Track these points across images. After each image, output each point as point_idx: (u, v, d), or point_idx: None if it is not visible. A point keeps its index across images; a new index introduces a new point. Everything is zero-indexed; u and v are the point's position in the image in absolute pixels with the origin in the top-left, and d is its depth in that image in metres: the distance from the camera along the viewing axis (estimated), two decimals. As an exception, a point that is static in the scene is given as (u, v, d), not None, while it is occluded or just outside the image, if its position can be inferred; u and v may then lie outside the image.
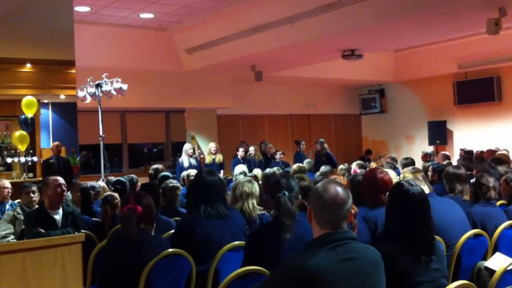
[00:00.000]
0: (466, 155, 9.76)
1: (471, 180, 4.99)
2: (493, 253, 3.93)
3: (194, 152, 11.07)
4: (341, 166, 8.55)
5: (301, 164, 8.19)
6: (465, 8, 7.94)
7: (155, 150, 14.60)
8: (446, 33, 11.24)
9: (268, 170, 7.56)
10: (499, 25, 7.77)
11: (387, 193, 3.24)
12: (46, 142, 6.79)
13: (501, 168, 5.83)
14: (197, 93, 12.78)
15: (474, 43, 12.40)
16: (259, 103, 14.85)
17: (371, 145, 16.74)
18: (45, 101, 6.72)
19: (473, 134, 14.05)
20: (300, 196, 3.50)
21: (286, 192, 3.36)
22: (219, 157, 11.27)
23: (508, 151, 9.41)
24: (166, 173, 7.44)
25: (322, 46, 10.31)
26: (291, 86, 15.34)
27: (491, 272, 3.31)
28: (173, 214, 5.11)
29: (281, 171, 8.27)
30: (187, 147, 10.76)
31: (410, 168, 5.52)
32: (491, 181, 4.52)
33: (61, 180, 4.61)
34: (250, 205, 4.56)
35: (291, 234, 3.24)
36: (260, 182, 6.98)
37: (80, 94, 9.11)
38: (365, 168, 8.35)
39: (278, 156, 12.12)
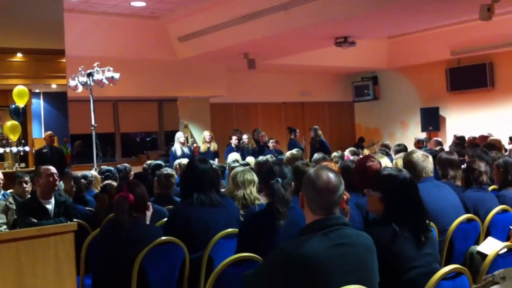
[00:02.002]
0: (458, 141, 9.79)
1: (463, 166, 5.01)
2: (485, 238, 3.95)
3: (187, 141, 11.04)
4: (334, 154, 8.56)
5: (294, 152, 8.17)
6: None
7: (148, 139, 14.57)
8: (439, 19, 11.23)
9: (260, 158, 7.57)
10: (492, 10, 7.76)
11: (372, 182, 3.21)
12: (38, 132, 6.76)
13: (493, 154, 5.84)
14: (190, 82, 12.74)
15: (467, 30, 12.39)
16: (253, 91, 14.82)
17: (364, 132, 16.76)
18: (37, 90, 6.67)
19: (466, 120, 14.10)
20: (293, 183, 3.49)
21: (280, 179, 3.36)
22: (214, 146, 11.27)
23: (499, 137, 9.44)
24: (159, 162, 7.44)
25: (315, 33, 10.29)
26: (284, 74, 15.31)
27: (483, 256, 3.33)
28: (168, 202, 5.11)
29: (274, 159, 8.28)
30: (178, 135, 10.75)
31: (401, 154, 5.54)
32: (482, 166, 4.54)
33: (53, 169, 4.60)
34: (254, 192, 4.57)
35: (285, 221, 3.25)
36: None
37: (72, 83, 9.07)
38: (358, 155, 8.36)
39: (271, 144, 12.12)
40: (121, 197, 3.56)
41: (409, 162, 4.27)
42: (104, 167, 7.32)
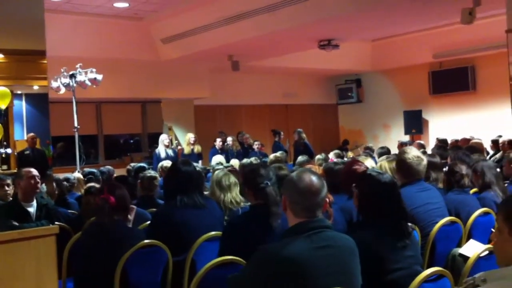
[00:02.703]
0: (441, 143, 9.87)
1: (445, 168, 5.04)
2: (467, 240, 3.98)
3: (171, 143, 11.00)
4: (318, 156, 8.59)
5: (278, 154, 8.20)
6: (440, -3, 8.01)
7: (131, 141, 14.49)
8: (422, 22, 11.34)
9: (245, 160, 7.56)
10: (473, 14, 7.85)
11: (354, 184, 3.24)
12: (20, 134, 6.68)
13: (475, 157, 5.90)
14: (174, 83, 12.71)
15: (449, 33, 12.51)
16: (237, 93, 14.81)
17: (348, 134, 16.83)
18: (18, 92, 6.60)
19: (448, 123, 14.22)
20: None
21: (268, 182, 3.37)
22: (197, 148, 11.25)
23: (481, 140, 9.53)
24: (143, 164, 7.40)
25: (299, 36, 10.32)
26: (268, 76, 15.33)
27: (465, 258, 3.36)
28: (151, 205, 5.09)
29: (258, 161, 8.29)
30: (163, 137, 10.70)
31: (384, 157, 5.56)
32: (464, 169, 4.57)
33: (34, 172, 4.55)
34: (239, 194, 4.57)
35: (269, 225, 3.25)
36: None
37: (54, 84, 9.00)
38: (342, 157, 8.40)
39: (256, 146, 12.13)
40: (102, 199, 3.54)
41: (401, 162, 4.18)
42: (87, 169, 7.28)
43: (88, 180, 6.11)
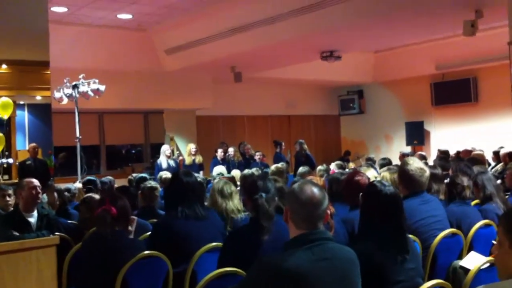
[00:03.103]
0: (442, 155, 9.86)
1: (446, 180, 5.04)
2: (468, 252, 3.97)
3: (172, 153, 11.00)
4: (319, 167, 8.58)
5: (279, 165, 8.19)
6: (443, 9, 8.03)
7: (133, 151, 14.51)
8: (424, 34, 11.37)
9: (246, 171, 7.56)
10: (476, 26, 7.87)
11: (361, 194, 3.26)
12: (22, 144, 6.69)
13: (476, 168, 5.89)
14: (176, 94, 12.73)
15: (451, 45, 12.53)
16: (239, 104, 14.83)
17: (350, 145, 16.82)
18: (21, 102, 6.63)
19: (450, 135, 14.21)
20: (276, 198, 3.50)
21: (263, 194, 3.36)
22: (199, 158, 11.25)
23: (483, 151, 9.52)
24: (144, 175, 7.41)
25: (301, 47, 10.35)
26: (270, 87, 15.35)
27: (466, 271, 3.35)
28: (152, 215, 5.08)
29: (260, 172, 8.28)
30: (165, 148, 10.70)
31: (386, 168, 5.56)
32: (465, 181, 4.57)
33: (36, 182, 4.56)
34: (239, 202, 4.59)
35: (269, 236, 3.25)
36: (238, 183, 6.98)
37: (57, 95, 9.03)
38: (343, 168, 8.39)
39: (257, 157, 12.12)
40: (104, 210, 3.54)
41: (404, 173, 4.13)
42: (87, 177, 7.28)
43: (87, 190, 6.10)
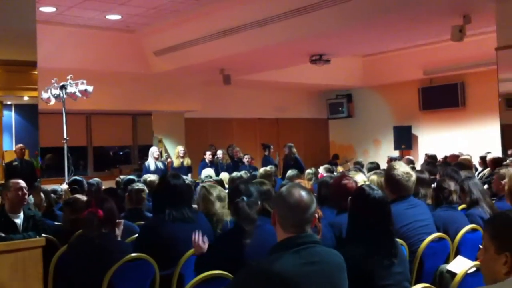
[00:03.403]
0: (430, 159, 9.90)
1: (433, 185, 5.06)
2: (455, 257, 3.99)
3: (161, 155, 10.96)
4: (308, 171, 8.58)
5: (267, 168, 8.18)
6: (431, 15, 8.08)
7: (121, 153, 14.44)
8: (413, 39, 11.44)
9: (235, 174, 7.55)
10: (463, 32, 7.92)
11: (349, 197, 3.27)
12: (9, 145, 6.65)
13: (463, 173, 5.92)
14: (165, 96, 12.71)
15: (440, 50, 12.61)
16: (228, 106, 14.83)
17: (338, 149, 16.86)
18: (8, 102, 6.58)
19: (437, 139, 14.29)
20: (259, 202, 3.49)
21: (245, 198, 3.35)
22: (187, 161, 11.21)
23: (470, 156, 9.57)
24: (132, 177, 7.37)
25: (290, 50, 10.37)
26: (260, 90, 15.37)
27: (453, 275, 3.36)
28: (139, 218, 5.05)
29: (248, 175, 8.28)
30: (153, 150, 10.65)
31: (372, 172, 5.58)
32: (452, 185, 4.58)
33: (22, 183, 4.53)
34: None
35: (252, 239, 3.24)
36: (227, 186, 6.97)
37: (44, 95, 8.96)
38: (332, 172, 8.40)
39: (246, 160, 12.12)
40: (90, 213, 3.52)
41: (390, 178, 4.13)
42: (73, 177, 7.23)
43: (73, 190, 6.04)
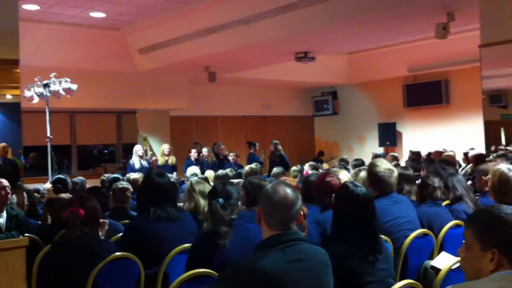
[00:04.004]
0: (414, 156, 9.97)
1: (417, 181, 5.09)
2: (439, 252, 4.01)
3: (146, 154, 10.90)
4: (293, 168, 8.60)
5: (253, 166, 8.19)
6: (415, 12, 8.11)
7: (105, 151, 14.35)
8: (397, 36, 11.50)
9: (220, 172, 7.54)
10: (447, 29, 7.97)
11: (333, 195, 3.27)
12: (-9, 143, 6.57)
13: (451, 170, 5.96)
14: (149, 94, 12.64)
15: (424, 47, 12.69)
16: (213, 104, 14.81)
17: (323, 146, 16.92)
18: (-10, 100, 6.51)
19: (422, 136, 14.39)
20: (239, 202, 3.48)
21: (221, 199, 3.34)
22: (172, 159, 11.16)
23: (454, 153, 9.66)
24: (117, 175, 7.33)
25: (276, 48, 10.36)
26: (245, 87, 15.36)
27: (437, 271, 3.38)
28: (124, 217, 5.03)
29: (234, 172, 8.27)
30: (137, 148, 10.60)
31: (360, 168, 5.60)
32: (436, 181, 4.63)
33: (5, 182, 4.48)
34: None
35: (234, 239, 3.22)
36: (212, 183, 6.95)
37: (27, 94, 8.89)
38: (317, 169, 8.43)
39: (231, 157, 12.10)
40: (72, 212, 3.49)
41: (373, 175, 4.21)
42: (56, 176, 7.18)
43: (56, 190, 5.98)
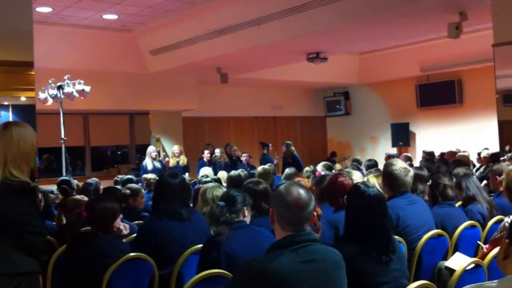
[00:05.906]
0: (427, 156, 9.91)
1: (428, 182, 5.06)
2: (453, 253, 3.99)
3: (158, 155, 10.93)
4: (306, 168, 8.56)
5: (266, 167, 8.16)
6: (427, 12, 8.08)
7: (119, 152, 14.43)
8: (409, 36, 11.44)
9: (233, 172, 7.54)
10: (460, 29, 7.92)
11: (345, 195, 3.26)
12: (6, 145, 6.63)
13: (462, 170, 5.92)
14: (162, 95, 12.69)
15: (436, 47, 12.62)
16: (225, 105, 14.83)
17: (336, 147, 16.88)
18: (5, 103, 6.58)
19: (435, 136, 14.31)
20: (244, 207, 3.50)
21: (221, 203, 3.39)
22: (183, 160, 11.17)
23: (468, 153, 9.59)
24: (130, 176, 7.37)
25: (287, 48, 10.36)
26: (257, 88, 15.37)
27: (451, 271, 3.36)
28: (136, 217, 5.05)
29: (246, 173, 8.26)
30: (150, 149, 10.63)
31: (373, 170, 5.57)
32: (447, 180, 4.59)
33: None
34: None
35: (241, 241, 3.25)
36: (225, 184, 6.96)
37: (41, 96, 8.96)
38: (331, 169, 8.39)
39: (244, 158, 12.10)
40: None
41: (389, 175, 4.17)
42: (61, 178, 7.21)
43: (63, 191, 6.00)
